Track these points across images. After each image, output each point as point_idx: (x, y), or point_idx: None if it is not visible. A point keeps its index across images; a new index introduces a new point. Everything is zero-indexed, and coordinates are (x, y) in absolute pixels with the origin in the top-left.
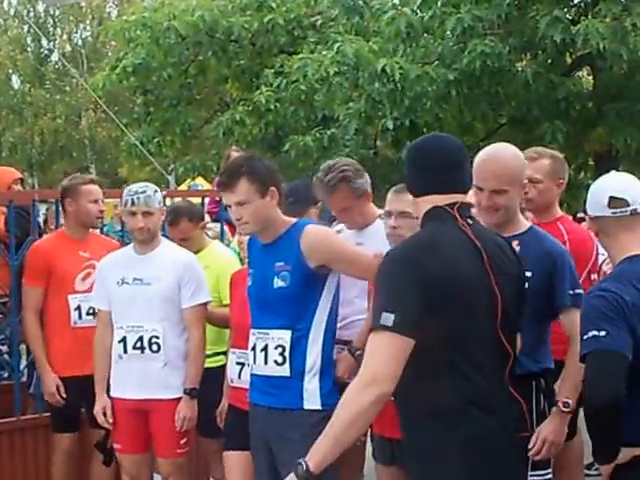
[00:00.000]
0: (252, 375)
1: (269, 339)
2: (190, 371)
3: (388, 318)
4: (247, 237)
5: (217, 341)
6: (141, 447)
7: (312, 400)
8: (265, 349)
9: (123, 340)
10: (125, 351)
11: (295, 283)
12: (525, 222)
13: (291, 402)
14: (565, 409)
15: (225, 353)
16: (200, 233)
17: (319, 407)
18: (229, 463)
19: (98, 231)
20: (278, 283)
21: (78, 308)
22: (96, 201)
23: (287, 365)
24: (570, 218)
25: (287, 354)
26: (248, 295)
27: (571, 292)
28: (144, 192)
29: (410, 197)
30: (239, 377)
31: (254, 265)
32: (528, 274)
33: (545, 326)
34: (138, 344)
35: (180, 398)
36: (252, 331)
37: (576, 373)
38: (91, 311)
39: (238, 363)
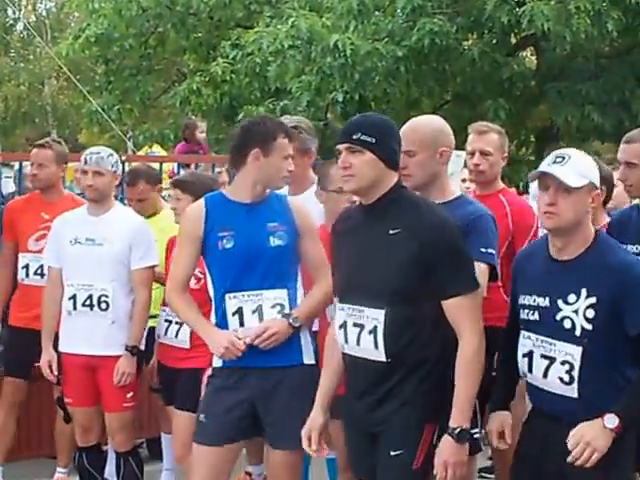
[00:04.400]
0: None
1: (263, 300)
2: (133, 330)
3: None
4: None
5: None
6: (90, 401)
7: (309, 355)
8: (258, 310)
9: (73, 297)
10: (74, 308)
11: (291, 242)
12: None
13: (292, 358)
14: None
15: None
16: (156, 196)
17: (313, 362)
18: (172, 419)
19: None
20: (275, 242)
21: (26, 267)
22: (32, 164)
23: None
24: (512, 191)
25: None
26: (227, 257)
27: (483, 250)
28: (98, 153)
29: None
30: (165, 334)
31: (234, 227)
32: None
33: None
34: (87, 302)
35: None
36: (233, 295)
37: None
38: (39, 271)
39: (166, 320)
